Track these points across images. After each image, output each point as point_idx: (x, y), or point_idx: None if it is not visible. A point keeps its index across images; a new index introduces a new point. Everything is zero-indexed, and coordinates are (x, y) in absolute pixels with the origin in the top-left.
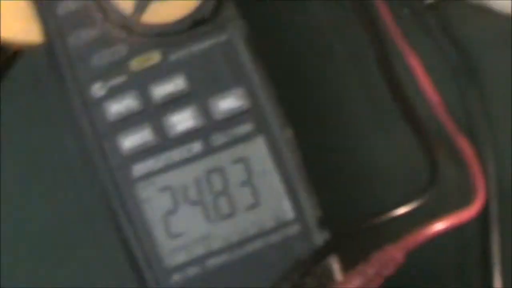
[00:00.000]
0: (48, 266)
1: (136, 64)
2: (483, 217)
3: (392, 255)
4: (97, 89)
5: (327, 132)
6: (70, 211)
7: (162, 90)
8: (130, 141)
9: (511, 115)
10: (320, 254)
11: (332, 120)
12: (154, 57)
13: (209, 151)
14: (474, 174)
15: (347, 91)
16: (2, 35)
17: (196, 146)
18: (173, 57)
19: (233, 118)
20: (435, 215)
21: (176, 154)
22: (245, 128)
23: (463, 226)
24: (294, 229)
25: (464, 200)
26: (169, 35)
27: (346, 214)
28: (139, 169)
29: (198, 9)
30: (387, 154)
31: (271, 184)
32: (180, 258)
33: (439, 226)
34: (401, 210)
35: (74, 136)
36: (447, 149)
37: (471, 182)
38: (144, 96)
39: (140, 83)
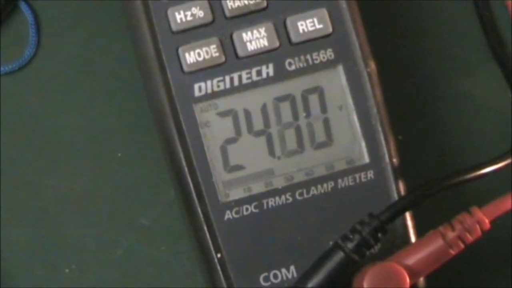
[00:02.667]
0: (85, 180)
1: None
2: None
3: (479, 219)
4: None
5: (411, 67)
6: (117, 125)
7: (236, 1)
8: (193, 55)
9: None
10: (396, 210)
11: (418, 55)
12: None
13: (281, 76)
14: None
15: (439, 29)
16: None
17: (268, 69)
18: None
19: (312, 42)
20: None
21: (244, 76)
22: (325, 54)
23: None
24: (367, 176)
25: None
26: None
27: (424, 162)
28: (201, 88)
29: None
30: (475, 100)
31: (347, 121)
32: (236, 193)
33: None
34: (488, 169)
35: (132, 44)
36: None
37: None
38: (215, 6)
39: None
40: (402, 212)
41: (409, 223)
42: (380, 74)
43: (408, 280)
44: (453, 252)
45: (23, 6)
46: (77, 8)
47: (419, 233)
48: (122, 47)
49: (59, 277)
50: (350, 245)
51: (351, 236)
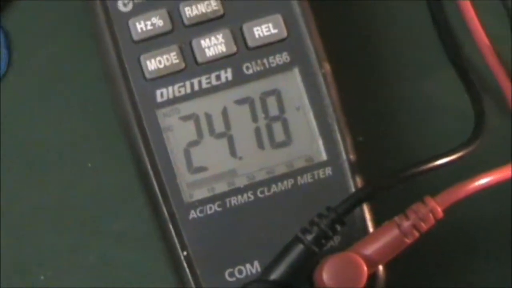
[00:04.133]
0: (57, 190)
1: None
2: None
3: (432, 208)
4: (123, 5)
5: (371, 75)
6: (87, 136)
7: (194, 10)
8: (155, 63)
9: None
10: (351, 203)
11: (376, 58)
12: None
13: (240, 80)
14: None
15: (394, 30)
16: None
17: (226, 74)
18: None
19: (268, 47)
20: (479, 169)
21: (204, 81)
22: (281, 58)
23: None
24: (325, 172)
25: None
26: None
27: (384, 162)
28: (162, 94)
29: None
30: (432, 100)
31: (305, 121)
32: (200, 194)
33: (485, 180)
34: (444, 160)
35: (96, 54)
36: (496, 97)
37: None
38: (174, 15)
39: (170, 1)
40: (358, 204)
41: (367, 215)
42: (337, 76)
43: (365, 268)
44: (408, 240)
45: None
46: (48, 24)
47: (378, 225)
48: (92, 61)
49: (35, 284)
50: (309, 237)
51: (310, 229)
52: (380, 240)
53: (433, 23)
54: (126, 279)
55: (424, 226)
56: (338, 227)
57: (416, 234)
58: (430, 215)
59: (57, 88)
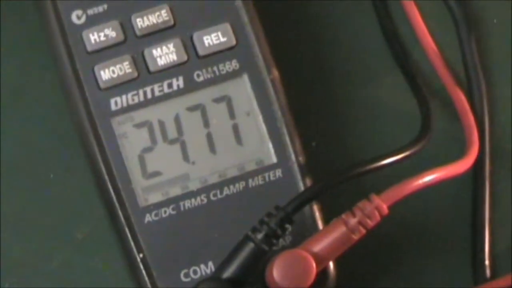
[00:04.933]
0: (21, 200)
1: None
2: (476, 173)
3: (377, 205)
4: (77, 17)
5: (322, 81)
6: (49, 148)
7: (145, 21)
8: (108, 73)
9: (510, 69)
10: (299, 201)
11: (326, 68)
12: None
13: (191, 87)
14: (469, 126)
15: (343, 39)
16: None
17: (178, 82)
18: None
19: (218, 55)
20: (425, 168)
21: (157, 89)
22: (230, 65)
23: (454, 182)
24: (275, 174)
25: (457, 154)
26: None
27: (334, 163)
28: (117, 102)
29: None
30: (380, 103)
31: (255, 125)
32: (155, 197)
33: (428, 178)
34: (389, 159)
35: (52, 67)
36: (442, 101)
37: (465, 135)
38: (126, 26)
39: (122, 13)
40: (306, 203)
41: (317, 215)
42: (288, 83)
43: (314, 265)
44: (355, 237)
45: None
46: (8, 39)
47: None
48: (52, 75)
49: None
50: (259, 236)
51: (259, 228)
52: (328, 237)
53: (381, 30)
54: (89, 285)
55: (370, 223)
56: (287, 226)
57: (363, 230)
58: (376, 212)
59: (19, 102)
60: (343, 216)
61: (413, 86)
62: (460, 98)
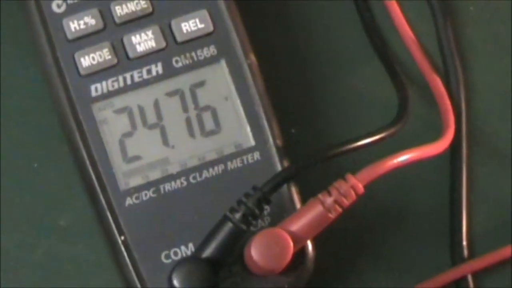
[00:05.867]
0: (5, 190)
1: None
2: (453, 156)
3: (353, 184)
4: (57, 6)
5: (300, 66)
6: (32, 139)
7: (124, 8)
8: (88, 60)
9: (485, 57)
10: (276, 181)
11: (306, 55)
12: None
13: (170, 73)
14: (445, 110)
15: (322, 28)
16: None
17: (157, 68)
18: None
19: (196, 41)
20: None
21: (135, 75)
22: (208, 51)
23: (432, 165)
24: (254, 157)
25: (434, 139)
26: None
27: (312, 145)
28: (97, 88)
29: None
30: (359, 91)
31: (233, 110)
32: (135, 181)
33: (403, 157)
34: (365, 141)
35: (32, 59)
36: (420, 88)
37: (442, 118)
38: (105, 14)
39: (101, 1)
40: (283, 183)
41: (295, 196)
42: (268, 72)
43: (291, 243)
44: (332, 216)
45: None
46: None
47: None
48: (33, 68)
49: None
50: (237, 216)
51: (237, 208)
52: (305, 217)
53: (360, 19)
54: (73, 273)
55: (346, 202)
56: (265, 206)
57: (339, 209)
58: (351, 191)
59: (2, 96)
60: (320, 195)
61: (390, 72)
62: (437, 83)
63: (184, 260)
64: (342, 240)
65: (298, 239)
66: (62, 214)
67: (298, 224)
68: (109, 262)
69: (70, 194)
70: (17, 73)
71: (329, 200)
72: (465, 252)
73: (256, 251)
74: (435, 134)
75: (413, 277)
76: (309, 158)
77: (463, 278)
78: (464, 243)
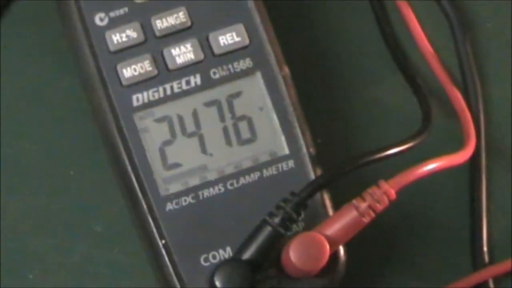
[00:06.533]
0: (43, 197)
1: None
2: (472, 167)
3: (385, 190)
4: (100, 19)
5: (326, 79)
6: (68, 147)
7: (164, 22)
8: (130, 71)
9: (503, 71)
10: (313, 187)
11: (332, 69)
12: None
13: (208, 84)
14: (466, 122)
15: (348, 45)
16: None
17: (195, 79)
18: None
19: (232, 54)
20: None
21: (175, 86)
22: (244, 63)
23: (452, 176)
24: (288, 165)
25: (455, 149)
26: None
27: (337, 155)
28: (137, 99)
29: None
30: (381, 103)
31: (268, 119)
32: (175, 187)
33: (431, 166)
34: (394, 150)
35: (76, 67)
36: (440, 100)
37: (463, 130)
38: (146, 27)
39: (142, 15)
40: (319, 189)
41: (327, 202)
42: (296, 79)
43: (328, 246)
44: (365, 220)
45: None
46: (27, 44)
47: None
48: (70, 79)
49: (24, 282)
50: (276, 220)
51: (276, 213)
52: (340, 221)
53: (382, 35)
54: (109, 276)
55: (379, 207)
56: (302, 211)
57: (372, 214)
58: (384, 196)
59: (39, 105)
60: (354, 201)
61: (412, 85)
62: (457, 97)
63: (226, 261)
64: (369, 246)
65: (333, 242)
66: (97, 220)
67: (333, 228)
68: (144, 266)
69: (105, 201)
70: (54, 82)
71: (363, 205)
72: (486, 257)
73: (294, 253)
74: (454, 145)
75: (436, 282)
76: (343, 165)
77: (485, 283)
78: (485, 249)
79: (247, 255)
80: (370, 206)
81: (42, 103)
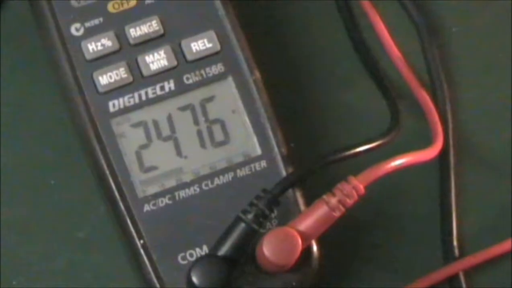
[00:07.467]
0: (26, 206)
1: (113, 6)
2: (442, 165)
3: (354, 185)
4: (76, 29)
5: (297, 84)
6: (49, 157)
7: (137, 31)
8: (106, 78)
9: (469, 71)
10: (284, 184)
11: (303, 75)
12: (131, 1)
13: (181, 89)
14: (433, 121)
15: (317, 49)
16: None
17: (169, 85)
18: (149, 0)
19: (205, 59)
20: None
21: (150, 92)
22: (216, 69)
23: (422, 174)
24: (261, 165)
25: (423, 147)
26: None
27: (313, 154)
28: (114, 105)
29: None
30: (353, 104)
31: (240, 122)
32: (152, 189)
33: (399, 161)
34: (363, 147)
35: (55, 76)
36: (409, 103)
37: (431, 129)
38: (120, 36)
39: (116, 24)
40: (290, 186)
41: (300, 200)
42: (267, 84)
43: (300, 241)
44: (336, 215)
45: None
46: (8, 57)
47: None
48: (48, 90)
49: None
50: (249, 216)
51: (249, 209)
52: (311, 216)
53: (351, 41)
54: (92, 280)
55: (349, 202)
56: (274, 207)
57: (342, 209)
58: (353, 191)
59: (23, 117)
60: (324, 196)
61: (381, 88)
62: (425, 98)
63: (202, 258)
64: (339, 241)
65: (306, 236)
66: (80, 226)
67: (305, 223)
68: (128, 269)
69: (87, 208)
70: (34, 94)
71: (333, 200)
72: (456, 251)
73: (267, 248)
74: (424, 144)
75: (407, 276)
76: (313, 163)
77: (455, 276)
78: (455, 243)
79: (222, 251)
80: (340, 201)
81: (23, 114)
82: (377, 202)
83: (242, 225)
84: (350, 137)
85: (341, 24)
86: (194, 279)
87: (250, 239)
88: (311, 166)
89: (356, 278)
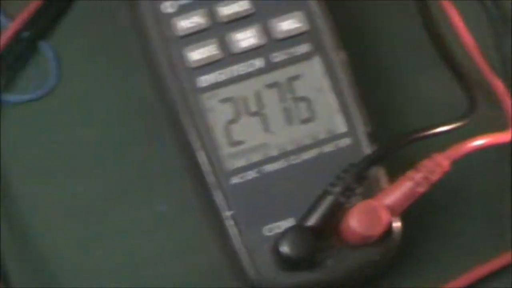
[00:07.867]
0: (105, 174)
1: None
2: None
3: (439, 162)
4: (168, 7)
5: (378, 73)
6: (137, 118)
7: (229, 9)
8: (197, 54)
9: None
10: (371, 159)
11: (383, 64)
12: None
13: (269, 67)
14: (507, 107)
15: (395, 39)
16: None
17: (258, 62)
18: None
19: (292, 39)
20: None
21: (239, 69)
22: (303, 48)
23: (495, 156)
24: (345, 142)
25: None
26: None
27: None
28: (204, 80)
29: None
30: (429, 90)
31: (326, 100)
32: (239, 163)
33: (480, 141)
34: (443, 128)
35: (144, 52)
36: (482, 90)
37: (505, 114)
38: (212, 14)
39: (208, 2)
40: (376, 161)
41: (383, 178)
42: (350, 63)
43: (387, 214)
44: (420, 190)
45: (43, 46)
46: (92, 42)
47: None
48: (134, 74)
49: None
50: (337, 189)
51: (337, 182)
52: (396, 191)
53: (425, 30)
54: (175, 255)
55: (433, 178)
56: (361, 181)
57: (427, 184)
58: (438, 167)
59: (104, 98)
60: (409, 172)
61: (456, 75)
62: (498, 85)
63: (292, 228)
64: (414, 220)
65: (392, 211)
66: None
67: (390, 198)
68: (207, 241)
69: (168, 182)
70: (121, 81)
71: (418, 176)
72: None
73: (355, 219)
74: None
75: (478, 255)
76: (399, 139)
77: None
78: None
79: (310, 222)
80: (424, 177)
81: (107, 97)
82: (450, 180)
83: (330, 197)
84: (424, 121)
85: (417, 15)
86: (284, 248)
87: (337, 212)
88: (397, 142)
89: (428, 254)
